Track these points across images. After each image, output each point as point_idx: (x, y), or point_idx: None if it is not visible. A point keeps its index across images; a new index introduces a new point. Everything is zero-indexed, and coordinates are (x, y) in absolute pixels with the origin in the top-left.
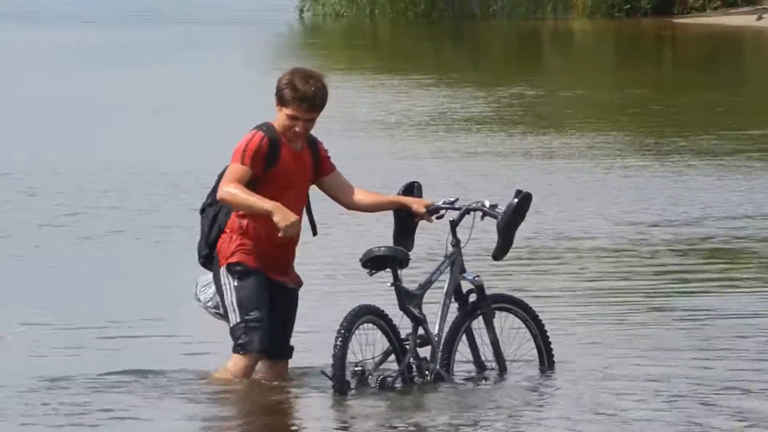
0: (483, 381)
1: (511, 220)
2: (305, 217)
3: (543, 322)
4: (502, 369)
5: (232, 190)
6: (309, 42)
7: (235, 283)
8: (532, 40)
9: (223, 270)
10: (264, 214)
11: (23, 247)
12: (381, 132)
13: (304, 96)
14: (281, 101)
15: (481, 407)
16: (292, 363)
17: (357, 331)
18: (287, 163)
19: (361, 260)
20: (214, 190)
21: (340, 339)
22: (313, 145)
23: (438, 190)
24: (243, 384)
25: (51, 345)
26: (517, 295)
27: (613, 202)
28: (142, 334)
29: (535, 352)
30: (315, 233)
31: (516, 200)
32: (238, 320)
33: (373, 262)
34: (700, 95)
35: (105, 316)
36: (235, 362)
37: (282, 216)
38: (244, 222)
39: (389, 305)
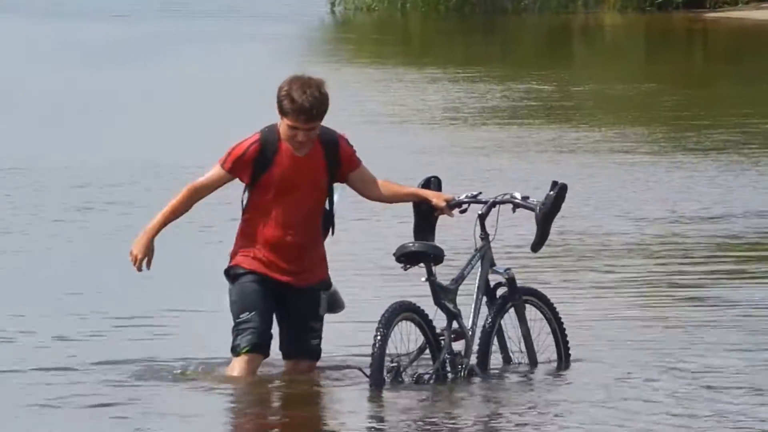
0: (515, 375)
1: (549, 211)
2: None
3: (561, 316)
4: (533, 363)
5: (177, 195)
6: (335, 37)
7: (229, 287)
8: (562, 35)
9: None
10: (260, 213)
11: (35, 243)
12: (393, 125)
13: (301, 108)
14: (281, 111)
15: (513, 402)
16: (328, 356)
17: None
18: (284, 169)
19: (395, 255)
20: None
21: (379, 337)
22: (332, 146)
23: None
24: (270, 377)
25: (70, 337)
26: (543, 289)
27: (627, 198)
28: (160, 324)
29: (552, 342)
30: (332, 233)
31: (554, 192)
32: (233, 324)
33: (407, 257)
34: (725, 89)
35: (122, 309)
36: (232, 364)
37: (135, 242)
38: (243, 224)
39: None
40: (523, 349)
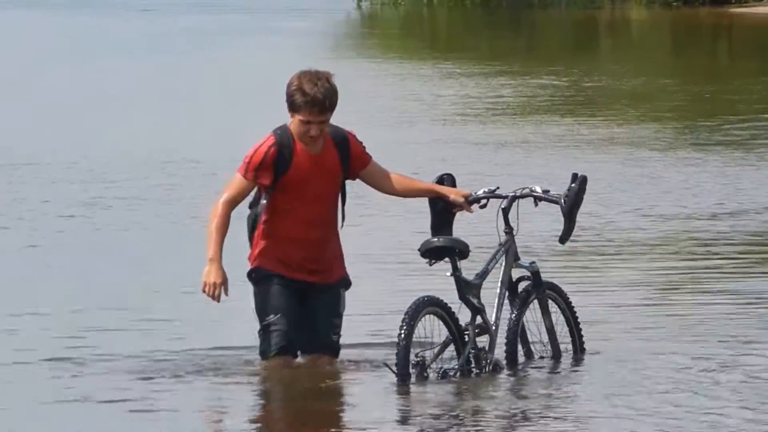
0: (541, 369)
1: (574, 203)
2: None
3: (575, 308)
4: (557, 355)
5: (212, 215)
6: (358, 32)
7: (253, 290)
8: (586, 30)
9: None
10: (281, 214)
11: (44, 237)
12: (401, 121)
13: (314, 100)
14: (292, 107)
15: (537, 395)
16: (351, 350)
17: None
18: (302, 168)
19: (419, 250)
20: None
21: (404, 332)
22: (342, 142)
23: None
24: (296, 369)
25: (90, 329)
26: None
27: (635, 193)
28: (175, 317)
29: (568, 336)
30: (341, 226)
31: (577, 184)
32: (259, 327)
33: (432, 253)
34: (744, 84)
35: (137, 304)
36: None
37: (206, 273)
38: (264, 226)
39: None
40: (546, 341)
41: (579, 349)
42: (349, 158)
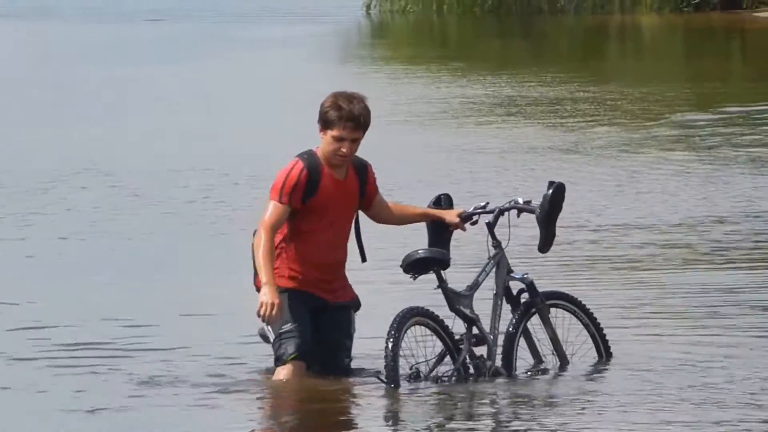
0: (542, 375)
1: (548, 211)
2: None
3: (592, 311)
4: (564, 363)
5: (259, 242)
6: (365, 41)
7: None
8: (593, 36)
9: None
10: (300, 236)
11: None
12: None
13: (350, 115)
14: (326, 124)
15: (537, 400)
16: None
17: (408, 334)
18: (327, 193)
19: (401, 266)
20: None
21: (391, 342)
22: (363, 170)
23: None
24: (294, 382)
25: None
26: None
27: (633, 200)
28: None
29: (590, 341)
30: (364, 260)
31: (550, 191)
32: (274, 337)
33: (414, 266)
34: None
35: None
36: (277, 374)
37: (263, 293)
38: (284, 248)
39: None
40: (553, 352)
41: (605, 355)
42: (366, 186)
